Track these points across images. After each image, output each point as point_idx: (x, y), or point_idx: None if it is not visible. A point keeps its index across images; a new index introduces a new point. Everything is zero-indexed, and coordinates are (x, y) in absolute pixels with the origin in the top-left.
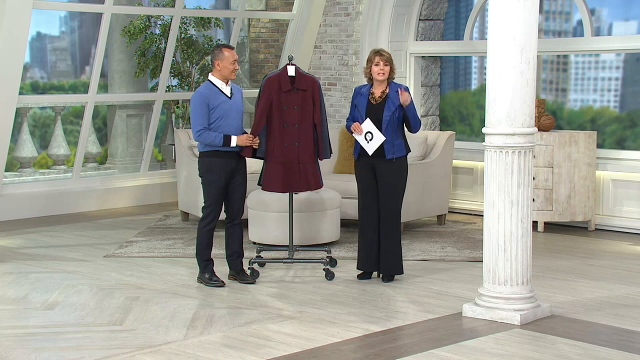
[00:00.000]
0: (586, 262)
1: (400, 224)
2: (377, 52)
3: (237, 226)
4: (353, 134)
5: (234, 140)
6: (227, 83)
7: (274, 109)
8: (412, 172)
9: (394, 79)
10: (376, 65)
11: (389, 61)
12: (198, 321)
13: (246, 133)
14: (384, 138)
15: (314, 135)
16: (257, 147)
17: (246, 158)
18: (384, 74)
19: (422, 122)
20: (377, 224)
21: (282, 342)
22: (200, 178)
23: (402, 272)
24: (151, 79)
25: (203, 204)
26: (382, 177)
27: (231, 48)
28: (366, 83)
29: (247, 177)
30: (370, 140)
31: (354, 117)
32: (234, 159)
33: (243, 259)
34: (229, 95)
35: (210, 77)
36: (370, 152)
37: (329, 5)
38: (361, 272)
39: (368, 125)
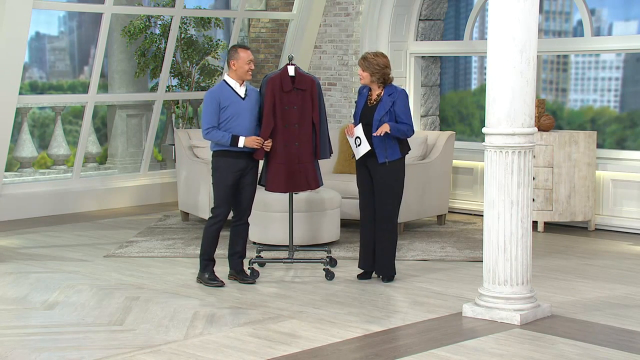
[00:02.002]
0: (586, 262)
1: (396, 225)
2: (359, 58)
3: (242, 226)
4: (347, 135)
5: (241, 141)
6: (241, 84)
7: (277, 110)
8: (412, 172)
9: (389, 82)
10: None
11: (366, 67)
12: (198, 321)
13: (257, 135)
14: (369, 148)
15: (313, 135)
16: (269, 149)
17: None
18: (362, 79)
19: (419, 125)
20: (374, 223)
21: (282, 342)
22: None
23: (394, 273)
24: (151, 79)
25: (213, 204)
26: (376, 178)
27: (247, 48)
28: None
29: (257, 177)
30: (359, 145)
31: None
32: (243, 159)
33: (244, 260)
34: (243, 96)
35: (225, 76)
36: (357, 157)
37: (329, 5)
38: (361, 272)
39: (359, 130)
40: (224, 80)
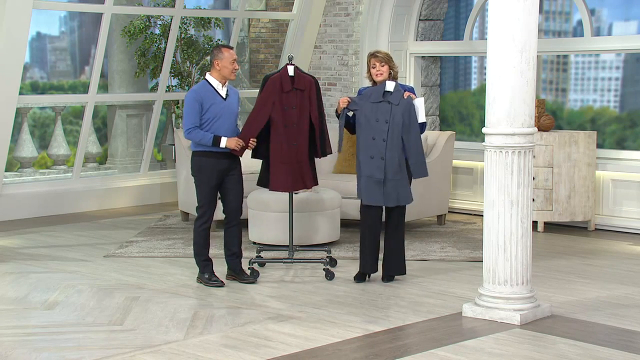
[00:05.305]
0: (586, 262)
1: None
2: (372, 55)
3: (235, 227)
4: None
5: (223, 142)
6: (224, 84)
7: (276, 110)
8: None
9: (397, 77)
10: (373, 67)
11: (384, 60)
12: (198, 321)
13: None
14: (424, 120)
15: (311, 135)
16: (251, 148)
17: (240, 157)
18: (382, 74)
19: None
20: (380, 224)
21: (282, 342)
22: (193, 177)
23: (404, 273)
24: (151, 79)
25: (197, 204)
26: None
27: (230, 48)
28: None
29: (242, 177)
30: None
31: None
32: (226, 158)
33: (242, 259)
34: (224, 97)
35: (208, 76)
36: None
37: (329, 5)
38: (358, 273)
39: (419, 101)
40: (206, 79)
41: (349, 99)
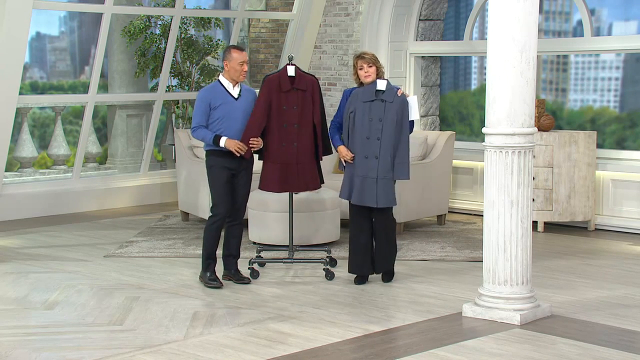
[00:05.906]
0: (586, 262)
1: (395, 223)
2: (359, 57)
3: (237, 226)
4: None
5: (222, 142)
6: (235, 84)
7: (273, 109)
8: (413, 172)
9: (383, 76)
10: (360, 69)
11: (371, 61)
12: (198, 321)
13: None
14: (417, 117)
15: (314, 135)
16: (256, 148)
17: (254, 158)
18: (370, 75)
19: (419, 125)
20: (370, 223)
21: (282, 342)
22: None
23: (393, 270)
24: (151, 79)
25: (211, 205)
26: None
27: (241, 50)
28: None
29: (252, 177)
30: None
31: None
32: (235, 157)
33: (241, 259)
34: (236, 97)
35: (220, 76)
36: None
37: (329, 5)
38: (357, 276)
39: (413, 99)
40: (218, 79)
41: (349, 158)
